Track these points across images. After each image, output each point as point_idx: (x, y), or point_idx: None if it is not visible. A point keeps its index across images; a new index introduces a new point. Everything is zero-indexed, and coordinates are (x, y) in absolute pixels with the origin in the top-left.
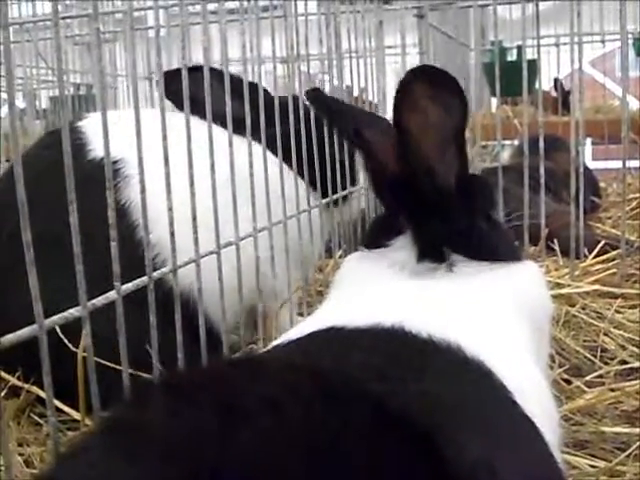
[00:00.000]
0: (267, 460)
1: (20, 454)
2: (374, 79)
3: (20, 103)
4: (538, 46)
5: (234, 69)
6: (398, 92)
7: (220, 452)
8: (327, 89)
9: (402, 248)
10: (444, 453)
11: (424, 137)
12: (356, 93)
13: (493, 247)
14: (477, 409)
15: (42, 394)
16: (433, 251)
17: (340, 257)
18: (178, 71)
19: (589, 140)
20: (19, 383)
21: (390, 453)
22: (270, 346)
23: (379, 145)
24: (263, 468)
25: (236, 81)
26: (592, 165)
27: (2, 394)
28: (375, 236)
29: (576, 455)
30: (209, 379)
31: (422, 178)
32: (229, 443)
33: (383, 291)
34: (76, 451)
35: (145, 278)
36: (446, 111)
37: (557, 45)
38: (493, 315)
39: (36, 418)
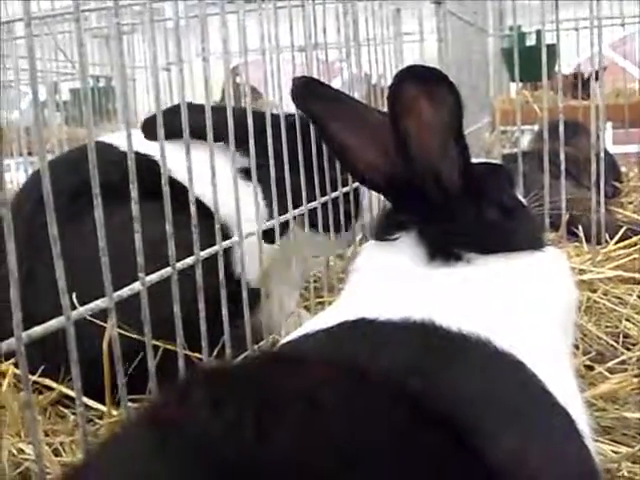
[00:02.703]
0: (303, 457)
1: (48, 444)
2: (392, 66)
3: (40, 95)
4: (557, 30)
5: (252, 58)
6: (390, 97)
7: (257, 450)
8: (345, 77)
9: (410, 246)
10: (478, 447)
11: (424, 138)
12: (374, 80)
13: (507, 239)
14: (511, 401)
15: (69, 392)
16: (443, 252)
17: (360, 243)
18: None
19: (610, 124)
20: (54, 384)
21: (425, 448)
22: (298, 334)
23: (367, 148)
24: (299, 465)
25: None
26: (613, 149)
27: (30, 389)
28: (384, 229)
29: (599, 441)
30: (249, 374)
31: (427, 180)
32: (266, 441)
33: (406, 282)
34: (115, 441)
35: (169, 269)
36: (440, 106)
37: (576, 29)
38: (517, 306)
39: (63, 409)
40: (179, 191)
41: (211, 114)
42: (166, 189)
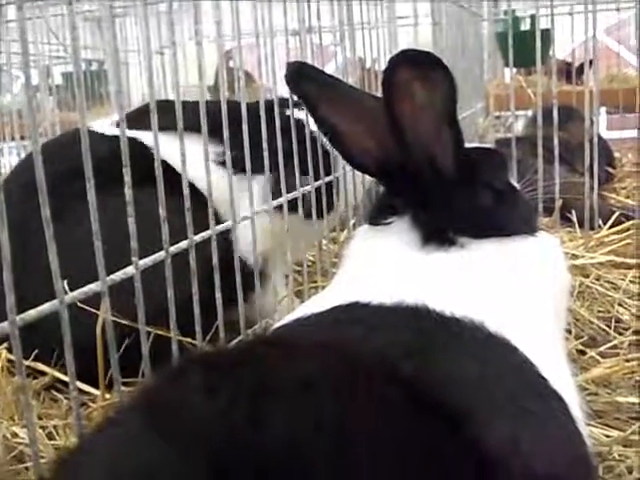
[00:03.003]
0: (296, 442)
1: (42, 427)
2: (386, 50)
3: (32, 79)
4: (552, 15)
5: (246, 41)
6: (385, 81)
7: (251, 435)
8: (339, 61)
9: (404, 230)
10: (471, 431)
11: (418, 122)
12: (368, 64)
13: (501, 224)
14: (504, 386)
15: (61, 376)
16: (437, 236)
17: (354, 228)
18: None
19: (604, 110)
20: (47, 369)
21: (418, 432)
22: (291, 318)
23: (360, 132)
24: (292, 450)
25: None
26: (607, 135)
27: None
28: (377, 214)
29: (591, 425)
30: (244, 359)
31: (421, 165)
32: (260, 425)
33: (400, 266)
34: (109, 426)
35: (162, 253)
36: (434, 90)
37: (571, 14)
38: (510, 290)
39: (56, 394)
40: (170, 174)
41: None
42: (159, 172)
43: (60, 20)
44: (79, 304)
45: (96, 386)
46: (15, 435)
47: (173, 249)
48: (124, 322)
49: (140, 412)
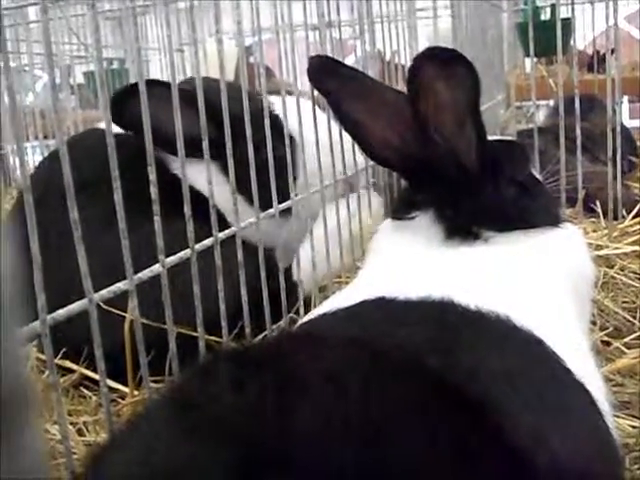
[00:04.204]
0: (325, 436)
1: (72, 424)
2: (406, 43)
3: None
4: (572, 4)
5: (266, 37)
6: (410, 78)
7: (279, 429)
8: (359, 54)
9: (428, 225)
10: (498, 425)
11: (442, 118)
12: (388, 58)
13: (525, 216)
14: (530, 379)
15: (90, 374)
16: (461, 230)
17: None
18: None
19: (626, 98)
20: (74, 366)
21: (445, 426)
22: (317, 313)
23: (382, 126)
24: (322, 446)
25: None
26: (629, 124)
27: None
28: (400, 208)
29: (616, 416)
30: (272, 354)
31: (444, 159)
32: (289, 422)
33: (425, 261)
34: (139, 424)
35: (188, 250)
36: (458, 87)
37: (592, 2)
38: (535, 283)
39: (84, 391)
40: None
41: None
42: (184, 172)
43: (81, 20)
44: (103, 305)
45: (122, 382)
46: (46, 432)
47: (198, 246)
48: (150, 324)
49: (169, 408)
